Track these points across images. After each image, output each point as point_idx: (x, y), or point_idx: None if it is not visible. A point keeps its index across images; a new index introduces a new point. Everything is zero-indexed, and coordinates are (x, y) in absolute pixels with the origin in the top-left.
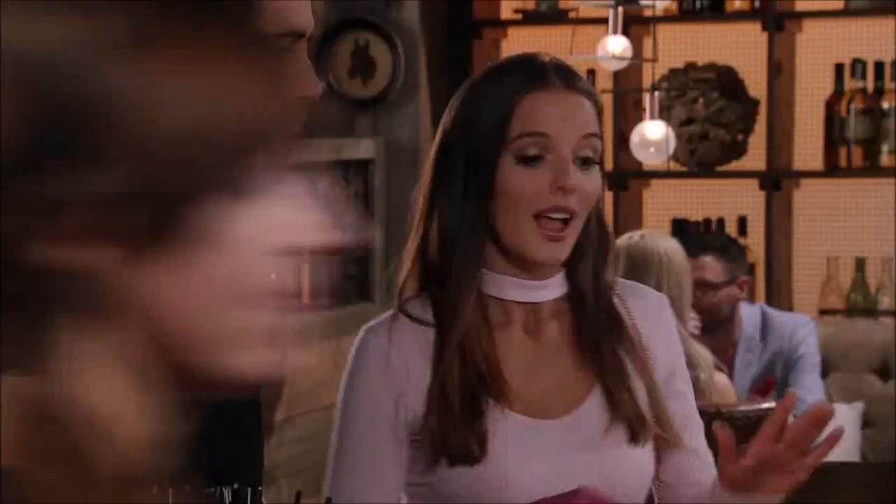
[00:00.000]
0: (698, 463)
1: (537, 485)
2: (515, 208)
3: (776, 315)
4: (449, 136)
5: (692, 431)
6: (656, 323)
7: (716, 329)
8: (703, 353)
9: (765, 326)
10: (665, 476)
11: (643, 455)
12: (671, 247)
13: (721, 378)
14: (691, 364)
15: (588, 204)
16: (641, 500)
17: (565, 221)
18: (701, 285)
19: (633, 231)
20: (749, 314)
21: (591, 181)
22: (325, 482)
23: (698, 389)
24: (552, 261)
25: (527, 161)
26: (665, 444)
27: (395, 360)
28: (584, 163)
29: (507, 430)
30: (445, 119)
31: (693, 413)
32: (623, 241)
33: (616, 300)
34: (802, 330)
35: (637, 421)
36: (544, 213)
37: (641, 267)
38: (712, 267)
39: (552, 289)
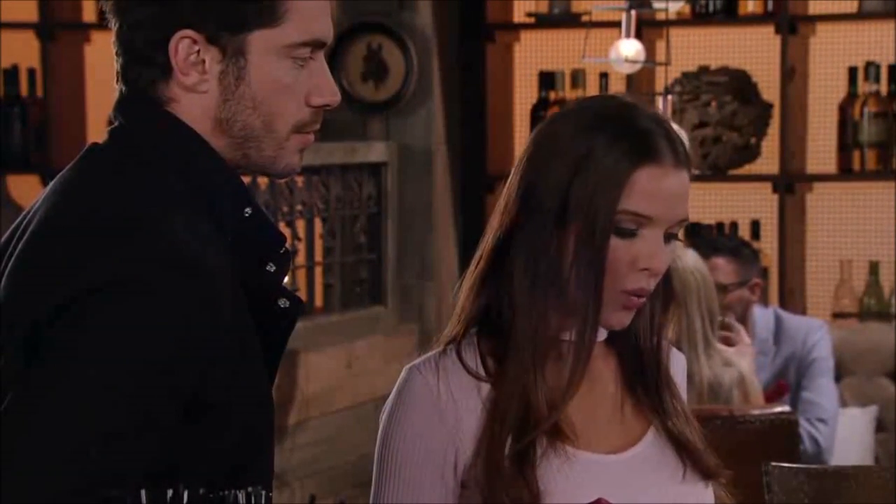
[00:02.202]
0: None
1: None
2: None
3: (789, 318)
4: (545, 185)
5: None
6: (681, 381)
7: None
8: (736, 357)
9: (778, 330)
10: None
11: (709, 493)
12: (699, 262)
13: (756, 382)
14: (728, 363)
15: (662, 273)
16: None
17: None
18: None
19: None
20: (762, 317)
21: (670, 256)
22: None
23: (742, 381)
24: (620, 327)
25: (622, 234)
26: None
27: (444, 401)
28: (668, 238)
29: (573, 468)
30: (537, 159)
31: None
32: None
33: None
34: (816, 334)
35: (707, 457)
36: (627, 291)
37: (684, 287)
38: (724, 269)
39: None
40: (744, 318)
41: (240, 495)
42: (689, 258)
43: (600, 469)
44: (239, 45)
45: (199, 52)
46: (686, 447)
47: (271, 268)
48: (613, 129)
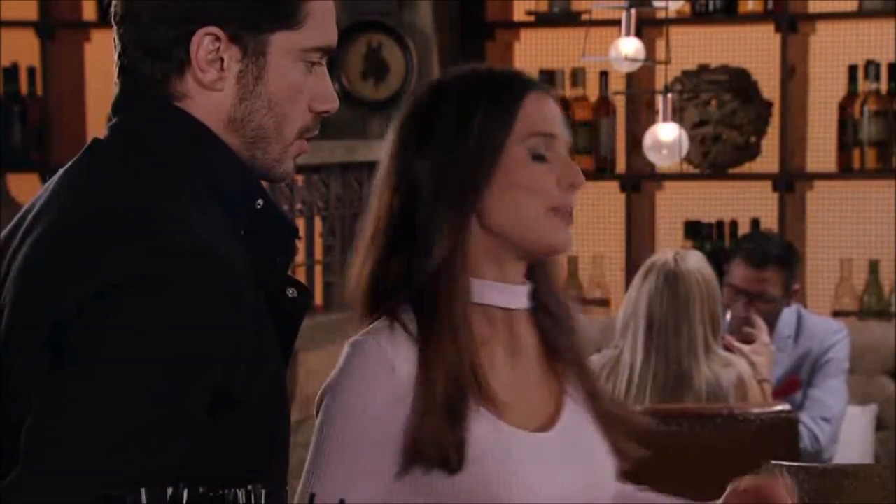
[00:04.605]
0: None
1: (541, 496)
2: (531, 202)
3: (811, 318)
4: (425, 142)
5: None
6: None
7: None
8: (736, 359)
9: (799, 327)
10: None
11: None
12: (703, 263)
13: (755, 383)
14: (728, 364)
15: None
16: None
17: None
18: (761, 296)
19: (665, 250)
20: (785, 315)
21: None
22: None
23: (742, 383)
24: (568, 247)
25: (539, 159)
26: None
27: (399, 370)
28: None
29: (501, 437)
30: (410, 129)
31: None
32: (657, 262)
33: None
34: (835, 336)
35: (618, 428)
36: (556, 208)
37: (688, 293)
38: (774, 282)
39: (523, 297)
40: (775, 317)
41: (239, 494)
42: (693, 260)
43: (528, 444)
44: (260, 45)
45: (219, 49)
46: (602, 412)
47: (280, 258)
48: (490, 81)
